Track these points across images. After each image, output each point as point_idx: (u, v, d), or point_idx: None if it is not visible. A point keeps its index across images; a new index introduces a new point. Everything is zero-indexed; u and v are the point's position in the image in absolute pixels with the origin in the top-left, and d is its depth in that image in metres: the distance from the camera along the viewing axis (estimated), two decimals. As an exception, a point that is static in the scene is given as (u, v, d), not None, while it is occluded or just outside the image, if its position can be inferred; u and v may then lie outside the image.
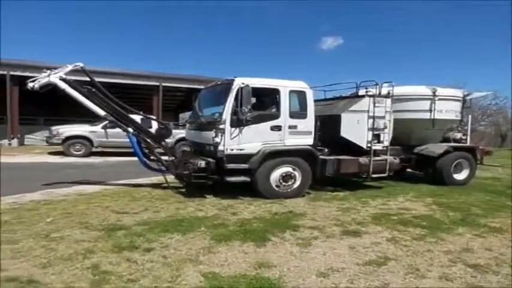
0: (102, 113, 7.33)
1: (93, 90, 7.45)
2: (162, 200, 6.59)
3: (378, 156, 8.13)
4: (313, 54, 68.71)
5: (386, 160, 8.12)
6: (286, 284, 3.26)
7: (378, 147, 8.05)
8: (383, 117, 8.00)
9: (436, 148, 9.19)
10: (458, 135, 10.21)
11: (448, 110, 9.32)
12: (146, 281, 3.23)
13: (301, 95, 7.28)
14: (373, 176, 8.04)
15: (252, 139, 6.85)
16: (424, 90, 9.27)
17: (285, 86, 7.13)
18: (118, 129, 13.10)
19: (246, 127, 6.74)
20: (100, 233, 4.55)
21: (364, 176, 8.42)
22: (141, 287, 3.10)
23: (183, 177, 7.36)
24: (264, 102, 7.48)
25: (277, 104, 7.11)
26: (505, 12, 58.70)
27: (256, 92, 6.91)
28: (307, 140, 7.28)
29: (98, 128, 14.36)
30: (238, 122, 6.66)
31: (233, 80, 6.80)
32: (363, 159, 7.87)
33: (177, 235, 4.57)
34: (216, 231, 4.77)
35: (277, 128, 7.00)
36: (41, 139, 19.01)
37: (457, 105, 9.71)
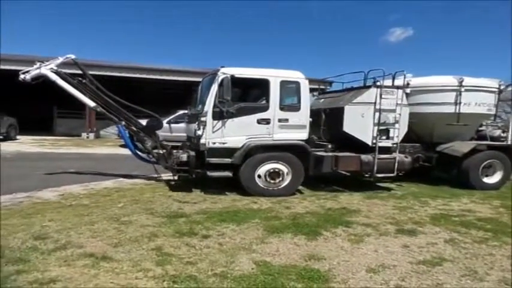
0: (91, 104, 7.35)
1: (84, 81, 7.51)
2: (217, 195, 6.67)
3: (387, 153, 7.39)
4: (378, 47, 65.06)
5: (395, 158, 7.32)
6: (335, 277, 3.34)
7: (385, 143, 7.32)
8: (393, 111, 7.27)
9: (461, 146, 8.06)
10: (497, 133, 9.04)
11: (478, 103, 8.13)
12: (203, 264, 3.51)
13: (294, 86, 6.79)
14: (378, 175, 7.33)
15: (236, 132, 6.48)
16: (448, 80, 8.21)
17: (275, 76, 6.65)
18: (181, 125, 13.97)
19: (229, 120, 6.41)
20: (163, 219, 4.96)
21: (367, 175, 7.69)
22: (199, 270, 3.37)
23: (168, 169, 7.31)
24: (253, 94, 7.10)
25: (266, 96, 6.66)
26: None
27: (244, 82, 6.62)
28: (300, 135, 6.80)
29: (163, 123, 15.25)
30: (220, 115, 6.36)
31: (218, 70, 6.48)
32: (365, 157, 7.16)
33: (232, 225, 4.83)
34: (269, 223, 4.95)
35: (265, 121, 6.56)
36: (113, 133, 20.69)
37: (490, 97, 8.37)
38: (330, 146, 7.45)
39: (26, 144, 15.78)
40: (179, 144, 7.82)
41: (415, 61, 61.11)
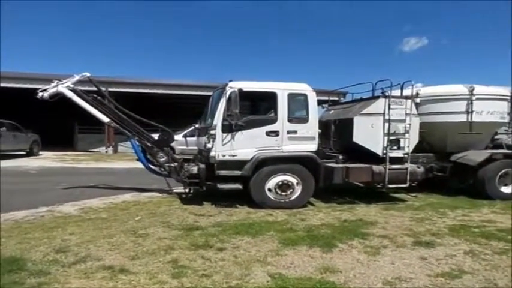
0: (105, 119, 7.53)
1: (98, 98, 7.70)
2: (230, 207, 6.66)
3: (399, 164, 7.30)
4: (392, 57, 64.50)
5: (407, 169, 7.23)
6: (350, 290, 3.32)
7: (396, 154, 7.26)
8: (403, 121, 7.23)
9: (476, 155, 7.88)
10: None
11: (490, 112, 7.98)
12: (218, 276, 3.54)
13: (301, 98, 6.85)
14: (390, 186, 7.21)
15: (246, 145, 6.55)
16: (458, 88, 8.09)
17: (282, 89, 6.71)
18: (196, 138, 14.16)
19: (239, 132, 6.49)
20: (179, 232, 5.03)
21: (379, 186, 7.54)
22: (214, 282, 3.41)
23: (179, 182, 7.38)
24: (261, 107, 7.17)
25: (274, 108, 6.72)
26: None
27: (252, 96, 6.70)
28: (309, 146, 6.80)
29: (179, 136, 15.49)
30: (229, 128, 6.45)
31: (226, 85, 6.60)
32: (376, 168, 7.07)
33: (247, 237, 4.85)
34: (284, 236, 4.95)
35: (274, 133, 6.62)
36: (130, 147, 21.09)
37: (503, 106, 8.26)
38: (340, 157, 7.42)
39: (48, 159, 16.26)
40: (191, 157, 7.94)
41: (430, 70, 60.27)
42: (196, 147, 13.94)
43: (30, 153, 17.45)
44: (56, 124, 23.76)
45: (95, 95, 7.77)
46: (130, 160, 16.64)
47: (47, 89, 7.64)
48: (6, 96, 21.74)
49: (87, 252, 4.16)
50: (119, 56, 66.02)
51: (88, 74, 7.99)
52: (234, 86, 6.43)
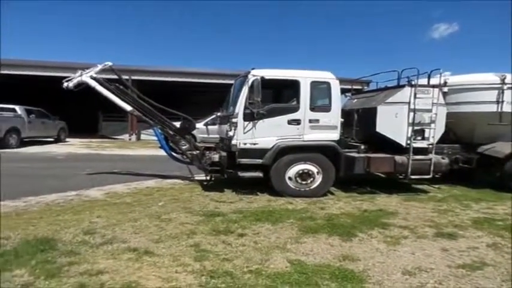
0: (128, 108, 7.65)
1: (121, 87, 7.82)
2: (251, 195, 6.76)
3: (422, 154, 7.14)
4: (420, 44, 61.96)
5: (430, 160, 7.08)
6: (370, 278, 3.34)
7: (420, 144, 7.09)
8: (429, 110, 7.04)
9: (503, 147, 7.62)
10: None
11: None
12: (239, 261, 3.63)
13: (324, 87, 6.76)
14: (413, 177, 7.05)
15: (267, 133, 6.57)
16: (489, 77, 7.77)
17: (305, 77, 6.65)
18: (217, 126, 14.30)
19: (260, 121, 6.50)
20: (201, 218, 5.16)
21: (401, 176, 7.43)
22: (235, 266, 3.50)
23: (201, 169, 7.47)
24: (283, 95, 7.08)
25: (297, 96, 6.67)
26: None
27: (274, 84, 6.64)
28: (331, 135, 6.75)
29: (200, 125, 15.68)
30: (251, 116, 6.47)
31: (249, 72, 6.58)
32: (399, 158, 6.95)
33: (267, 224, 4.93)
34: (303, 224, 5.00)
35: (296, 121, 6.60)
36: (154, 135, 21.50)
37: None
38: (362, 147, 7.34)
39: (75, 146, 16.83)
40: (213, 145, 8.03)
41: (460, 58, 57.90)
42: (217, 136, 14.21)
43: (57, 140, 18.08)
44: (80, 112, 24.46)
45: (117, 84, 7.92)
46: (153, 147, 16.99)
47: (71, 79, 7.84)
48: (34, 84, 22.54)
49: (114, 234, 4.33)
50: (142, 46, 66.79)
51: (110, 64, 8.13)
52: (257, 73, 6.42)
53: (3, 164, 9.92)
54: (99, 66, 8.03)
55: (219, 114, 8.32)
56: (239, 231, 4.57)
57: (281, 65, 6.71)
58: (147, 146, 17.95)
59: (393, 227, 4.96)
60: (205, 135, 15.67)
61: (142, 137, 22.49)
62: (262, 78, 6.31)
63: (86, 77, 7.70)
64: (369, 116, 7.24)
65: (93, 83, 7.65)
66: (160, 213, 5.36)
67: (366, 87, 17.96)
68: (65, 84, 7.77)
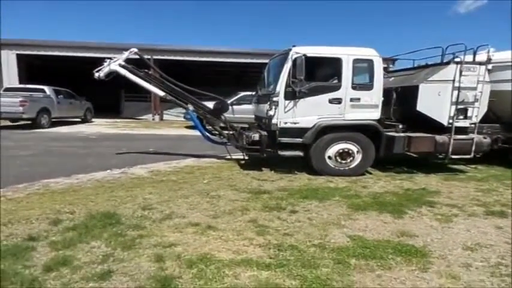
0: (161, 93, 7.67)
1: (150, 72, 7.80)
2: (288, 174, 6.84)
3: (463, 134, 7.03)
4: (446, 19, 59.14)
5: (472, 139, 6.98)
6: (432, 253, 3.41)
7: (463, 123, 6.97)
8: (474, 89, 6.85)
9: None
10: None
11: None
12: (300, 236, 3.74)
13: (367, 64, 6.64)
14: (453, 157, 6.97)
15: (308, 112, 6.54)
16: None
17: (348, 54, 6.54)
18: (243, 106, 14.32)
19: (301, 100, 6.46)
20: (248, 195, 5.28)
21: (441, 156, 7.40)
22: (297, 240, 3.61)
23: (239, 149, 7.53)
24: (325, 73, 6.93)
25: (338, 75, 6.57)
26: None
27: (316, 61, 6.49)
28: (372, 114, 6.71)
29: (225, 105, 15.74)
30: (293, 95, 6.43)
31: (290, 50, 6.48)
32: (440, 137, 6.87)
33: (315, 201, 5.01)
34: (350, 201, 5.07)
35: (337, 100, 6.54)
36: (175, 115, 21.73)
37: None
38: (400, 126, 7.26)
39: (101, 126, 17.14)
40: (241, 125, 8.03)
41: (486, 34, 55.64)
42: (242, 116, 14.25)
43: (84, 120, 18.44)
44: (103, 92, 24.73)
45: (146, 70, 7.92)
46: (178, 127, 17.24)
47: (101, 68, 7.81)
48: (56, 64, 22.84)
49: (170, 210, 4.49)
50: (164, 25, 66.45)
51: (135, 50, 8.13)
52: (299, 51, 6.36)
53: (45, 143, 10.27)
54: (126, 53, 8.00)
55: (255, 93, 8.33)
56: (290, 208, 4.68)
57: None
58: (172, 126, 18.16)
59: (440, 205, 4.99)
60: (231, 115, 15.75)
61: (165, 117, 22.75)
62: (306, 56, 6.27)
63: (115, 65, 7.68)
64: (409, 94, 7.10)
65: (123, 71, 7.63)
66: (207, 190, 5.50)
67: (391, 66, 17.61)
68: (96, 74, 7.75)
